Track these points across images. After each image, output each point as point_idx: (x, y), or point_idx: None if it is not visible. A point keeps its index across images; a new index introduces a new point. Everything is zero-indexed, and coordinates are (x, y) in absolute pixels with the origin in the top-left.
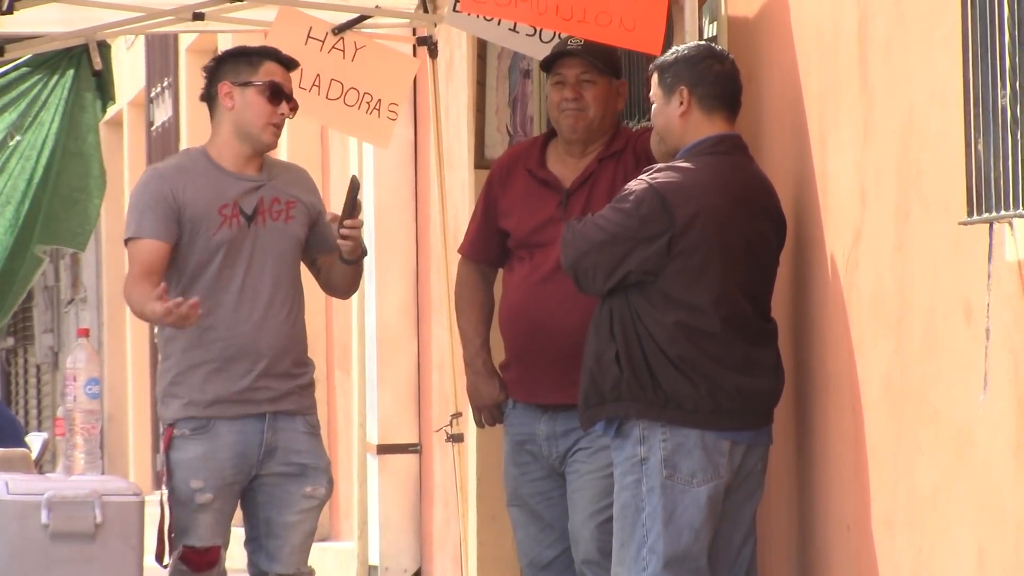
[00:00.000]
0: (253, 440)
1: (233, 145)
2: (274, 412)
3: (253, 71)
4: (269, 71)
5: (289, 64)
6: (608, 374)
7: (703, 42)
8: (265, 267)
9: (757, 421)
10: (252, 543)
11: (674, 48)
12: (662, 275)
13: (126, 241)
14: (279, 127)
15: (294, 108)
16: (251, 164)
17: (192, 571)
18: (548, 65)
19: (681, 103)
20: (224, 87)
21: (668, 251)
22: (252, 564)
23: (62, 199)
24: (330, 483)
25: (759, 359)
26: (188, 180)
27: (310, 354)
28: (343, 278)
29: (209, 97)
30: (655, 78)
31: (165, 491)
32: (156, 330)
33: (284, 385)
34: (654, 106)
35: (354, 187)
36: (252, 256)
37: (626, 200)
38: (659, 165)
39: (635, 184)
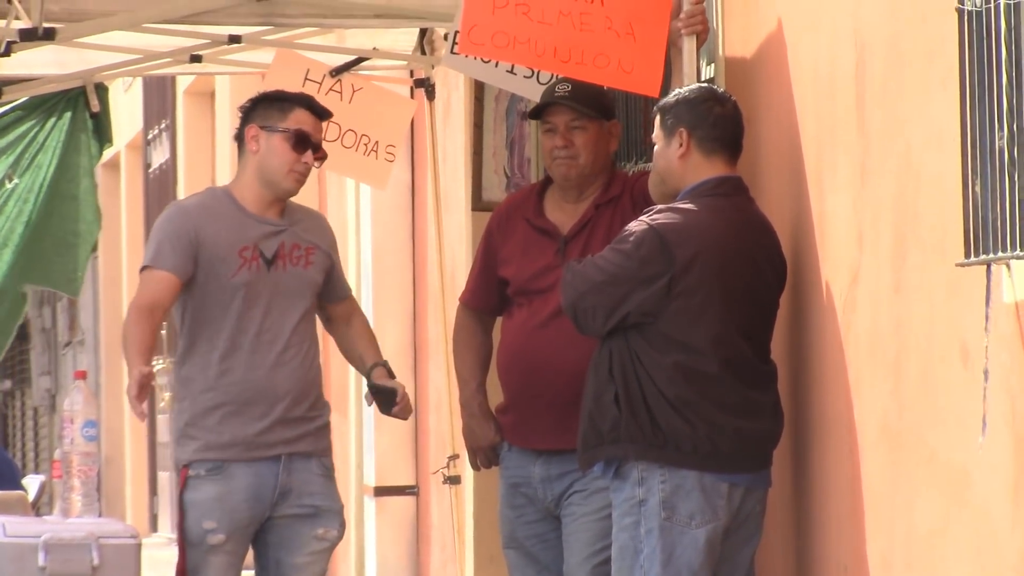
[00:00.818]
0: (268, 482)
1: (255, 188)
2: (289, 454)
3: (282, 117)
4: (298, 119)
5: (322, 114)
6: (607, 415)
7: (706, 84)
8: (283, 311)
9: (756, 464)
10: None
11: (676, 90)
12: (661, 316)
13: (142, 269)
14: (303, 175)
15: (320, 158)
16: (273, 208)
17: None
18: (537, 113)
19: (681, 145)
20: (251, 130)
21: (668, 292)
22: None
23: (54, 241)
24: (342, 526)
25: (758, 401)
26: (211, 219)
27: None
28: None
29: (239, 139)
30: (657, 120)
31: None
32: (174, 369)
33: (300, 428)
34: (656, 148)
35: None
36: (271, 300)
37: (626, 241)
38: (659, 206)
39: (635, 225)
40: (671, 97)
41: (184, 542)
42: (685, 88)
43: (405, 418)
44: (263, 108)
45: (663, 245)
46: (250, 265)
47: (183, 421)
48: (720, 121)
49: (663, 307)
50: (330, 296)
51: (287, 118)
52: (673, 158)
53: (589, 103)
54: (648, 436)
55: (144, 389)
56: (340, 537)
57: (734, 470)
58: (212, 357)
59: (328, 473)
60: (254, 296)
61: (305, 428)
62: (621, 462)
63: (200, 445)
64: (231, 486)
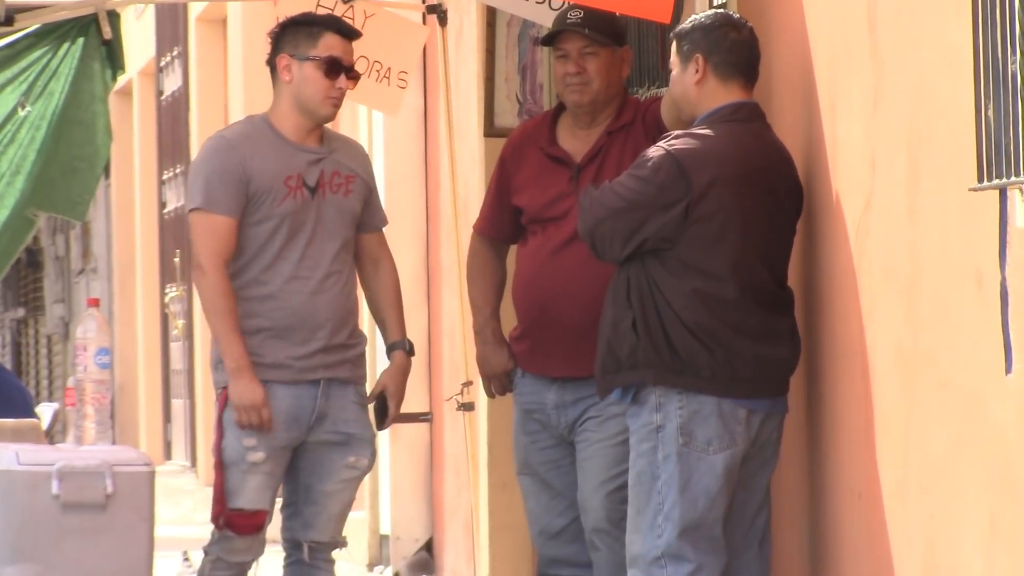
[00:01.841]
0: (307, 405)
1: (293, 117)
2: (328, 379)
3: (312, 44)
4: (328, 45)
5: (351, 34)
6: (625, 341)
7: (722, 10)
8: (325, 239)
9: (774, 390)
10: (289, 508)
11: (693, 16)
12: (679, 242)
13: (193, 210)
14: (339, 100)
15: (355, 78)
16: (312, 135)
17: (237, 535)
18: (549, 40)
19: (697, 71)
20: (283, 59)
21: (685, 217)
22: (287, 530)
23: (61, 167)
24: (373, 454)
25: (776, 327)
26: (255, 150)
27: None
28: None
29: (271, 66)
30: (673, 46)
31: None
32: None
33: (340, 355)
34: (672, 74)
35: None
36: (315, 228)
37: (644, 167)
38: (677, 132)
39: (653, 151)
40: (687, 23)
41: (222, 463)
42: (701, 14)
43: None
44: (292, 35)
45: (681, 171)
46: (295, 194)
47: None
48: (736, 47)
49: (681, 233)
50: (364, 225)
51: (317, 44)
52: (689, 84)
53: (601, 29)
54: (666, 361)
55: (265, 407)
56: (371, 466)
57: (752, 395)
58: (254, 282)
59: (363, 401)
60: (298, 224)
61: (344, 355)
62: (639, 388)
63: None
64: (273, 406)
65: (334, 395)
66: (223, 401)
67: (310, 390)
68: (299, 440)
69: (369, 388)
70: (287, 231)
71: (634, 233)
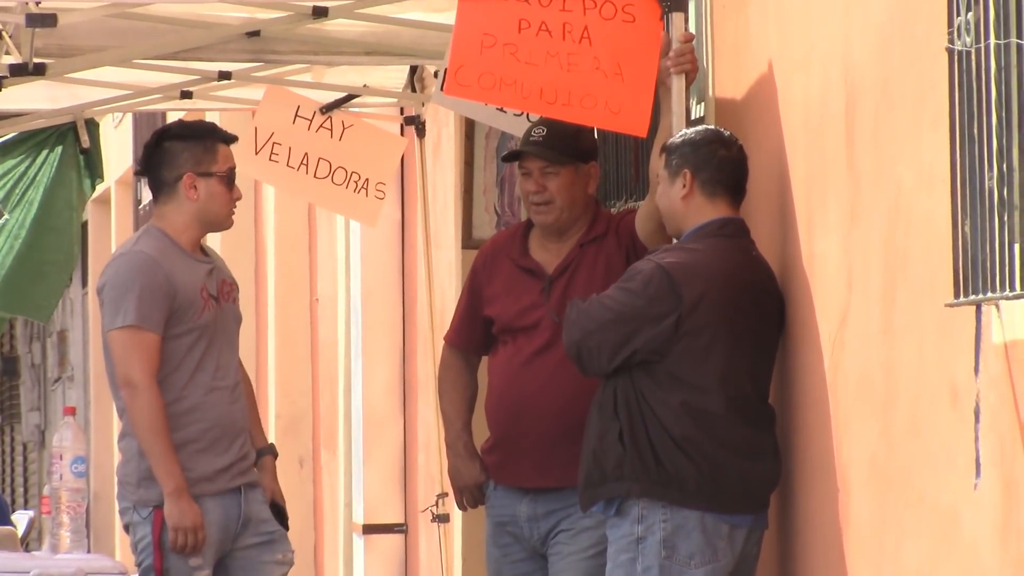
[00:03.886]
0: (233, 513)
1: (193, 230)
2: (246, 484)
3: (212, 159)
4: (225, 156)
5: (232, 140)
6: (611, 453)
7: (712, 127)
8: (230, 348)
9: (757, 505)
10: None
11: (683, 131)
12: (669, 355)
13: (122, 328)
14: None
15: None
16: (198, 246)
17: None
18: (512, 157)
19: (684, 186)
20: (188, 179)
21: (676, 331)
22: None
23: (31, 271)
24: (291, 548)
25: (760, 443)
26: (173, 264)
27: (297, 433)
28: None
29: (161, 181)
30: (662, 159)
31: None
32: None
33: (249, 459)
34: (659, 187)
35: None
36: (223, 338)
37: (633, 279)
38: (666, 246)
39: (642, 264)
40: (677, 137)
41: None
42: (691, 129)
43: None
44: (189, 151)
45: (672, 284)
46: (208, 305)
47: (147, 462)
48: (725, 164)
49: (671, 346)
50: None
51: (216, 159)
52: (676, 198)
53: (562, 148)
54: (652, 474)
55: (202, 528)
56: (293, 560)
57: (736, 511)
58: (177, 396)
59: (266, 499)
60: (212, 335)
61: (251, 459)
62: (623, 499)
63: None
64: (207, 520)
65: (251, 499)
66: (159, 522)
67: (234, 498)
68: (227, 549)
69: None
70: (205, 342)
71: (623, 346)
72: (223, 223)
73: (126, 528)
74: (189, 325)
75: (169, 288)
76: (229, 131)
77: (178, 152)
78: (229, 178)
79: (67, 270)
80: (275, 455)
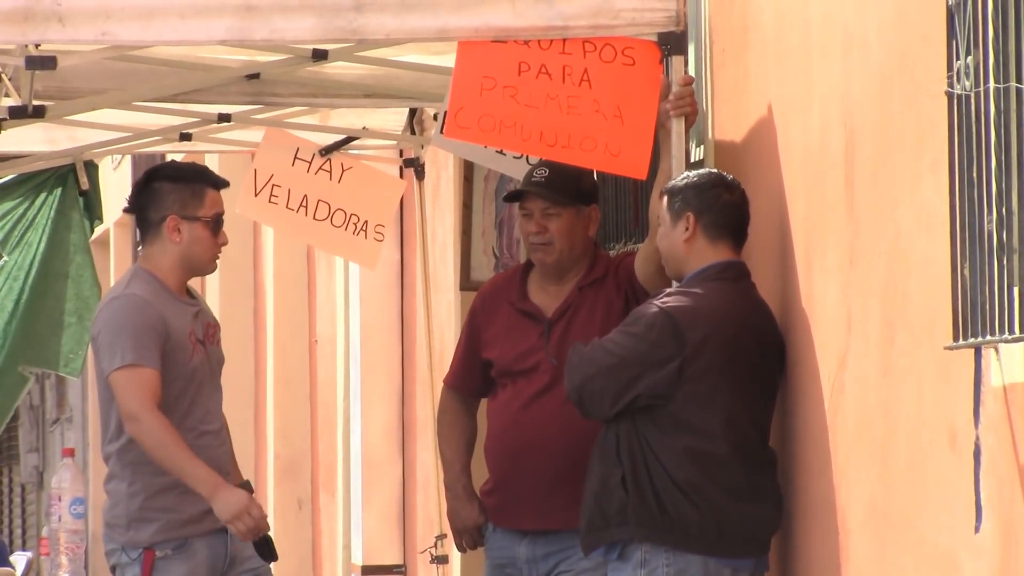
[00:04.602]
0: (220, 553)
1: (177, 273)
2: None
3: (199, 203)
4: (213, 201)
5: (223, 184)
6: (614, 497)
7: (715, 170)
8: (215, 390)
9: (758, 549)
10: None
11: (685, 173)
12: (672, 399)
13: (121, 368)
14: (219, 254)
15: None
16: (184, 288)
17: None
18: (513, 197)
19: (687, 228)
20: (172, 221)
21: (679, 375)
22: None
23: (48, 321)
24: None
25: (763, 486)
26: (164, 306)
27: (296, 475)
28: None
29: (148, 220)
30: (664, 202)
31: None
32: (116, 452)
33: None
34: (660, 229)
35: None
36: (210, 380)
37: (637, 323)
38: (669, 290)
39: (645, 308)
40: (679, 180)
41: None
42: (693, 172)
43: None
44: (176, 195)
45: (675, 328)
46: (196, 349)
47: (136, 504)
48: (727, 208)
49: (675, 390)
50: None
51: (203, 203)
52: (678, 241)
53: (564, 190)
54: (655, 519)
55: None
56: None
57: (738, 555)
58: None
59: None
60: (200, 380)
61: None
62: (626, 544)
63: (161, 525)
64: (196, 561)
65: (236, 539)
66: (150, 563)
67: (220, 538)
68: None
69: None
70: (194, 388)
71: (625, 391)
72: (205, 268)
73: (112, 570)
74: (180, 371)
75: (163, 328)
76: (229, 173)
77: (166, 193)
78: (215, 223)
79: (88, 318)
80: (251, 491)
